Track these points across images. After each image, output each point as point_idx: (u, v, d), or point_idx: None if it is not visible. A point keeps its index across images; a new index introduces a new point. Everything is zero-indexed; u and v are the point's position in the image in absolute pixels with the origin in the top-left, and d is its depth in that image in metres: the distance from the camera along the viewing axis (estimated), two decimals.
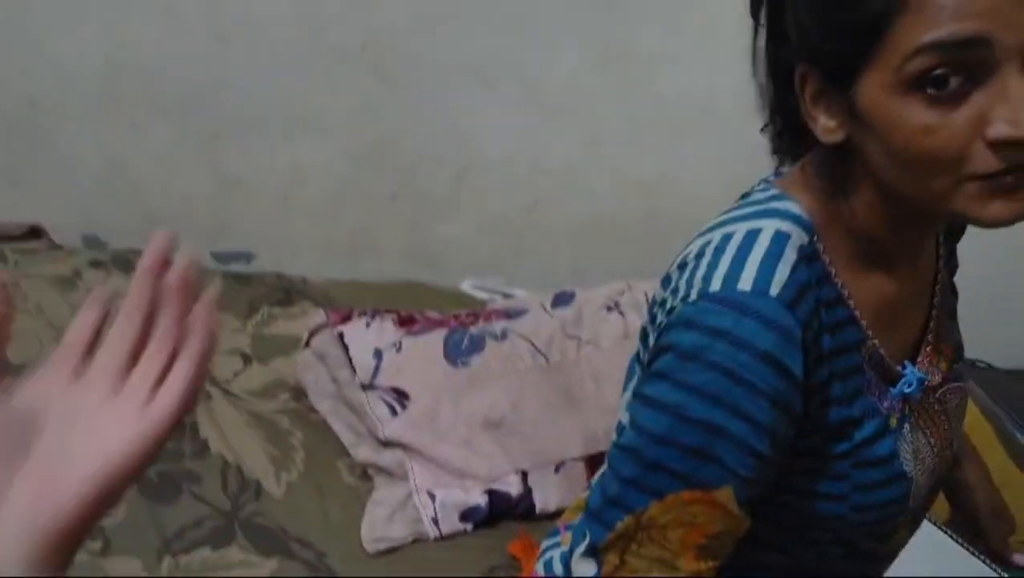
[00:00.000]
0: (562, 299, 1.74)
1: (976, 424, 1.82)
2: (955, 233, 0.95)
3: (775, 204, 0.79)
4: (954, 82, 0.63)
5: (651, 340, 0.79)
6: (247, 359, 1.74)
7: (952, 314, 0.94)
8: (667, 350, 0.74)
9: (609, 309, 1.70)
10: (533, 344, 1.59)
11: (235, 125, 2.04)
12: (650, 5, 1.92)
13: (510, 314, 1.69)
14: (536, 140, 2.06)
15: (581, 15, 1.94)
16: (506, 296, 1.99)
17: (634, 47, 1.97)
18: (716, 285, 0.73)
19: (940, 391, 0.87)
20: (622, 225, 2.11)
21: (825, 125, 0.73)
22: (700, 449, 0.71)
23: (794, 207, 0.78)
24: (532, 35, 1.95)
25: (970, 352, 2.13)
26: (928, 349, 0.86)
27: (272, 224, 2.14)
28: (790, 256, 0.74)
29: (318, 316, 1.69)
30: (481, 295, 2.02)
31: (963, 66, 0.63)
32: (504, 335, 1.60)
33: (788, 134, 0.81)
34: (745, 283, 0.72)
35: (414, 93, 2.00)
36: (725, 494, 0.72)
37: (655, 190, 2.06)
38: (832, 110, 0.72)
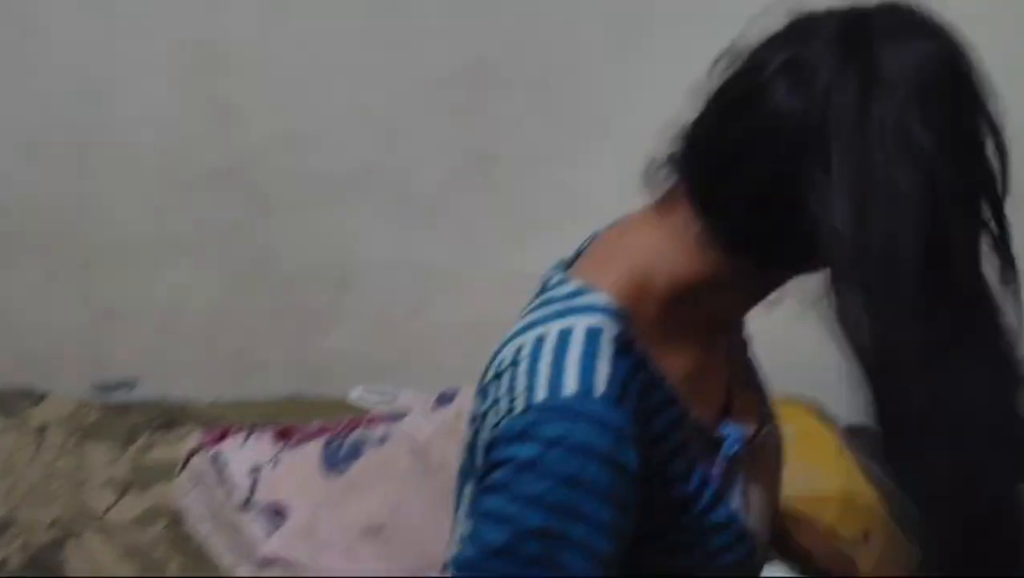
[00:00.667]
0: (445, 398, 1.74)
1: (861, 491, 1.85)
2: None
3: (578, 301, 0.77)
4: None
5: (478, 456, 0.77)
6: (125, 488, 1.69)
7: (747, 365, 0.95)
8: (502, 464, 0.71)
9: None
10: (413, 446, 1.58)
11: (106, 254, 2.03)
12: (519, 107, 2.00)
13: (391, 418, 1.68)
14: (414, 244, 2.09)
15: (449, 120, 2.00)
16: (393, 402, 1.98)
17: (505, 149, 2.03)
18: (541, 394, 0.71)
19: (760, 435, 0.89)
20: (504, 322, 2.12)
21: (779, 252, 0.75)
22: (542, 558, 0.69)
23: (599, 299, 0.76)
24: (401, 142, 2.00)
25: (858, 417, 2.23)
26: (737, 403, 0.88)
27: (152, 350, 2.11)
28: (606, 351, 0.72)
29: (195, 438, 1.66)
30: (368, 404, 2.01)
31: None
32: (384, 439, 1.59)
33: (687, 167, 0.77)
34: (570, 387, 0.70)
35: (287, 208, 2.03)
36: None
37: (536, 285, 2.09)
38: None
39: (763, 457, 0.90)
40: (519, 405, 0.71)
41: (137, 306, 2.08)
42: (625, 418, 0.71)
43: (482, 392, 0.79)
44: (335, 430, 1.64)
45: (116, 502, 1.65)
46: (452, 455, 1.58)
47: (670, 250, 0.77)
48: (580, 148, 2.01)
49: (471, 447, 0.80)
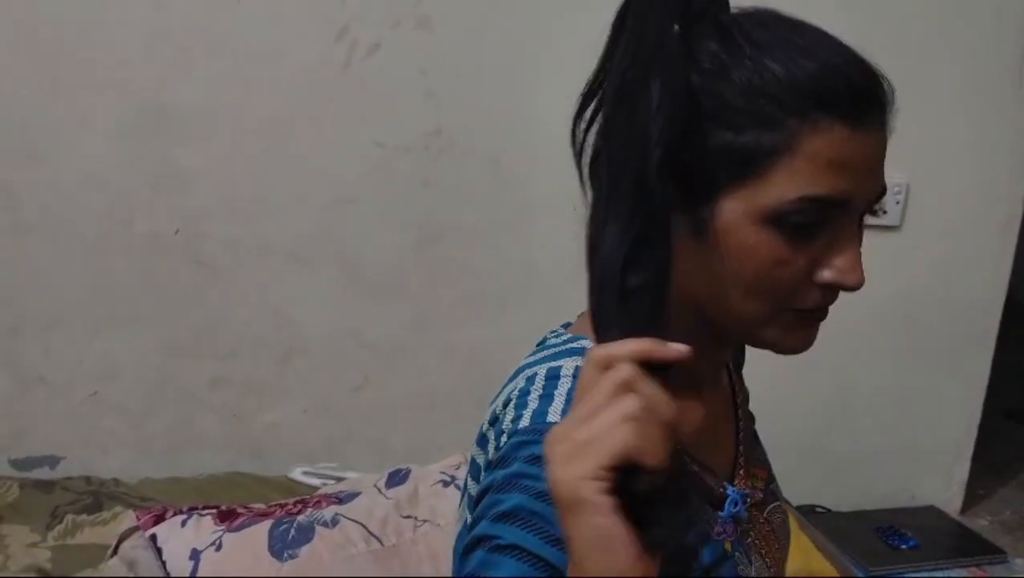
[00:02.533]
0: (396, 478, 1.67)
1: (821, 569, 1.84)
2: (738, 363, 0.97)
3: (571, 345, 0.79)
4: (812, 227, 0.67)
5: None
6: (46, 575, 1.56)
7: (755, 437, 0.94)
8: (485, 492, 0.69)
9: (445, 484, 1.65)
10: (366, 528, 1.51)
11: (36, 320, 1.92)
12: (466, 183, 1.98)
13: (341, 498, 1.60)
14: (361, 318, 2.04)
15: (398, 193, 1.98)
16: (339, 480, 1.89)
17: (453, 223, 2.01)
18: (525, 421, 0.71)
19: (766, 510, 0.87)
20: (455, 397, 2.08)
21: None
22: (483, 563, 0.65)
23: (589, 343, 0.77)
24: (350, 214, 1.96)
25: (808, 498, 2.23)
26: (741, 471, 0.86)
27: (80, 423, 1.98)
28: (574, 382, 0.73)
29: (129, 519, 1.55)
30: (312, 482, 1.92)
31: (826, 218, 0.67)
32: (335, 521, 1.51)
33: None
34: (554, 415, 0.70)
35: (231, 278, 1.95)
36: None
37: (487, 360, 2.05)
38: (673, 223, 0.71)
39: (770, 530, 0.87)
40: (504, 437, 0.71)
41: (66, 376, 1.96)
42: None
43: (481, 440, 0.77)
44: (282, 512, 1.55)
45: None
46: (408, 538, 1.52)
47: None
48: (532, 224, 2.01)
49: (472, 501, 0.77)
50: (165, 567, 1.42)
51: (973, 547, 2.16)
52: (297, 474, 1.94)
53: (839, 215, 0.67)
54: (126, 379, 1.98)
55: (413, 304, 2.05)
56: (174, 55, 1.84)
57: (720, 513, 0.79)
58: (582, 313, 0.84)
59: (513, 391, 0.75)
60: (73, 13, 1.80)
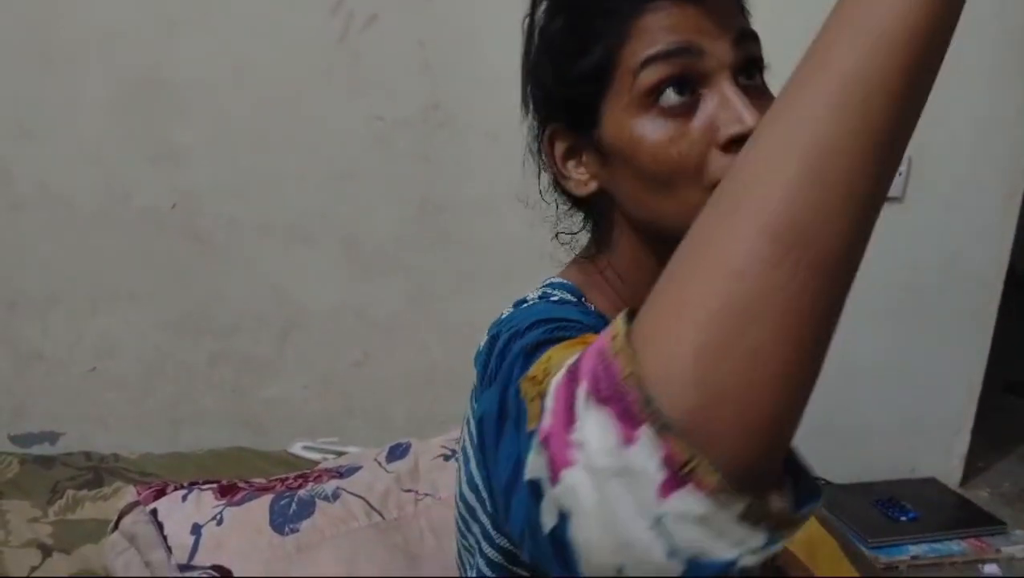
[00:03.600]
0: (397, 452, 1.67)
1: (820, 539, 1.85)
2: None
3: (539, 285, 0.83)
4: (683, 92, 0.69)
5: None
6: (47, 550, 1.56)
7: None
8: (489, 350, 0.70)
9: (446, 457, 1.65)
10: (367, 502, 1.50)
11: (34, 296, 1.91)
12: (465, 157, 1.97)
13: (342, 473, 1.60)
14: (360, 293, 2.03)
15: (397, 168, 1.96)
16: (339, 455, 1.89)
17: (452, 198, 2.00)
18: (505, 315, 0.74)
19: None
20: (455, 372, 2.08)
21: (578, 178, 0.77)
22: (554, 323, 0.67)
23: (557, 280, 0.82)
24: (348, 189, 1.95)
25: None
26: None
27: (79, 400, 1.98)
28: (561, 298, 0.79)
29: (129, 494, 1.54)
30: (313, 456, 1.92)
31: (685, 77, 0.69)
32: (335, 495, 1.51)
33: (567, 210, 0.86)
34: (530, 302, 0.76)
35: (229, 254, 1.95)
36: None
37: (485, 334, 2.04)
38: (583, 160, 0.77)
39: None
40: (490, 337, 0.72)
41: (65, 352, 1.96)
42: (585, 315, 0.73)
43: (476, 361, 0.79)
44: (283, 486, 1.55)
45: (40, 565, 1.52)
46: (409, 512, 1.52)
47: (602, 253, 0.83)
48: (531, 198, 1.99)
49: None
50: (166, 542, 1.42)
51: (973, 519, 2.17)
52: (297, 449, 1.94)
53: (705, 73, 0.69)
54: (125, 355, 1.98)
55: (412, 279, 2.04)
56: (168, 29, 1.82)
57: None
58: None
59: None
60: None
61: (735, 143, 0.68)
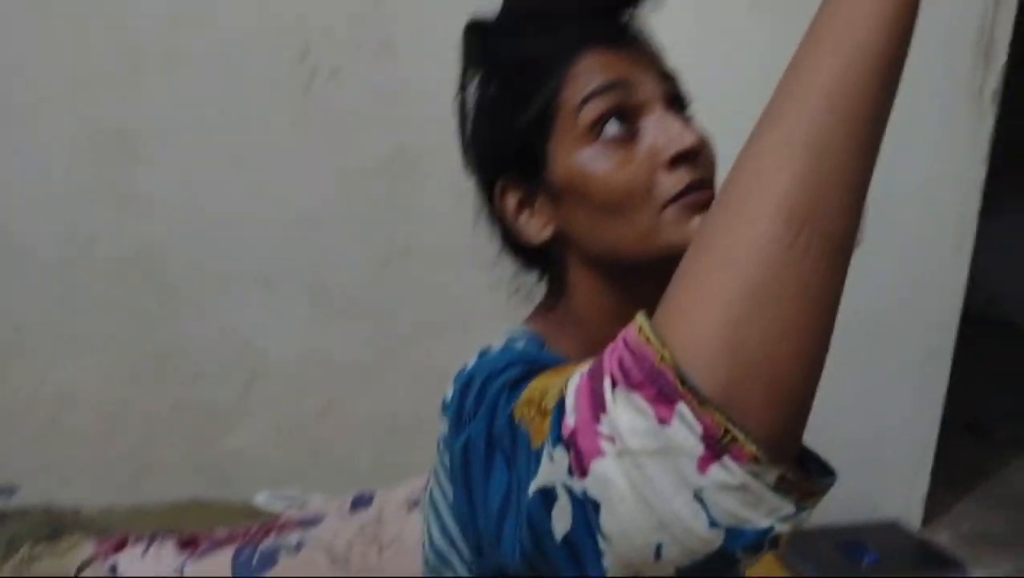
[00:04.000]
0: (361, 501, 1.66)
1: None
2: None
3: (503, 336, 0.84)
4: (623, 123, 0.73)
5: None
6: None
7: None
8: (461, 397, 0.71)
9: (411, 508, 1.64)
10: (331, 552, 1.49)
11: None
12: (428, 205, 1.99)
13: (305, 523, 1.59)
14: (326, 340, 2.03)
15: (362, 216, 1.97)
16: (303, 505, 1.88)
17: (416, 245, 2.01)
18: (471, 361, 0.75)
19: None
20: (420, 419, 2.07)
21: (535, 226, 0.79)
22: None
23: (519, 329, 0.83)
24: (313, 236, 1.96)
25: None
26: None
27: (38, 452, 1.95)
28: (527, 343, 0.79)
29: (88, 548, 1.52)
30: (276, 507, 1.90)
31: (622, 110, 0.74)
32: (299, 546, 1.50)
33: (524, 265, 0.87)
34: (491, 353, 0.76)
35: (194, 301, 1.94)
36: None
37: (451, 384, 2.04)
38: (536, 209, 0.79)
39: None
40: (456, 387, 0.74)
41: (23, 404, 1.93)
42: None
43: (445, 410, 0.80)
44: (245, 538, 1.53)
45: None
46: (373, 562, 1.51)
47: (561, 299, 0.84)
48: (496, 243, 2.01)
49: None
50: None
51: (933, 560, 2.19)
52: (260, 500, 1.92)
53: (640, 105, 0.74)
54: (86, 405, 1.95)
55: (378, 325, 2.04)
56: (134, 78, 1.83)
57: None
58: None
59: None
60: (28, 36, 1.78)
61: (679, 160, 0.73)
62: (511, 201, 0.80)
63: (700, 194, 0.75)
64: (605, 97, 0.73)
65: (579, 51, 0.75)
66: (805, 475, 0.47)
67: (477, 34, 0.82)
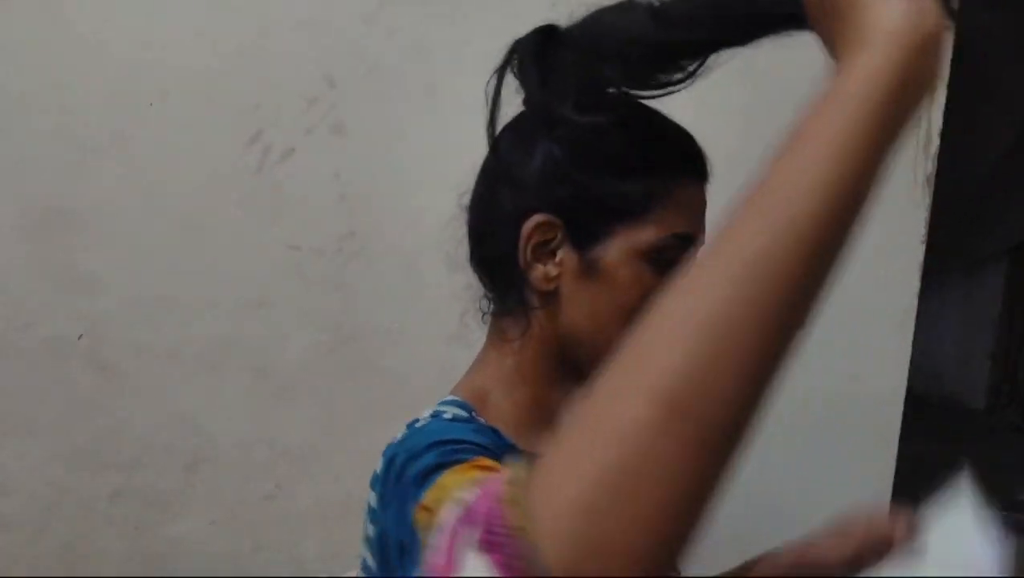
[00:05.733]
0: None
1: None
2: None
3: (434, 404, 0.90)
4: (676, 262, 0.80)
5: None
6: None
7: None
8: (386, 473, 0.79)
9: None
10: None
11: None
12: (379, 286, 1.98)
13: None
14: (272, 423, 1.99)
15: (311, 297, 1.96)
16: None
17: (366, 326, 2.00)
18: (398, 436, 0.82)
19: None
20: None
21: (546, 273, 0.82)
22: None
23: (449, 398, 0.89)
24: (260, 318, 1.93)
25: None
26: None
27: None
28: (455, 414, 0.84)
29: None
30: None
31: (684, 253, 0.81)
32: None
33: (497, 290, 0.91)
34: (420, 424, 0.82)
35: (135, 383, 1.89)
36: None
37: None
38: (557, 261, 0.82)
39: None
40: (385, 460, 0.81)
41: None
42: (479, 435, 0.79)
43: (373, 484, 0.86)
44: None
45: None
46: None
47: (510, 349, 0.88)
48: (447, 326, 2.01)
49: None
50: None
51: None
52: None
53: (689, 250, 0.81)
54: (19, 493, 1.88)
55: (326, 408, 2.01)
56: (78, 156, 1.81)
57: None
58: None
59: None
60: None
61: None
62: (537, 236, 0.82)
63: None
64: (685, 245, 0.80)
65: (690, 175, 0.81)
66: None
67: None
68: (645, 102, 0.81)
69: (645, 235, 0.78)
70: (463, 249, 0.94)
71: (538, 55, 0.80)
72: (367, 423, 2.03)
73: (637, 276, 0.78)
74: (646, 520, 0.42)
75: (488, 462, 0.68)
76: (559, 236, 0.80)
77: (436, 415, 0.85)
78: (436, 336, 2.01)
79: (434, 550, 0.49)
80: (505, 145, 0.87)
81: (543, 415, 0.86)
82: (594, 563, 0.42)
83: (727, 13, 0.67)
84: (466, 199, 0.93)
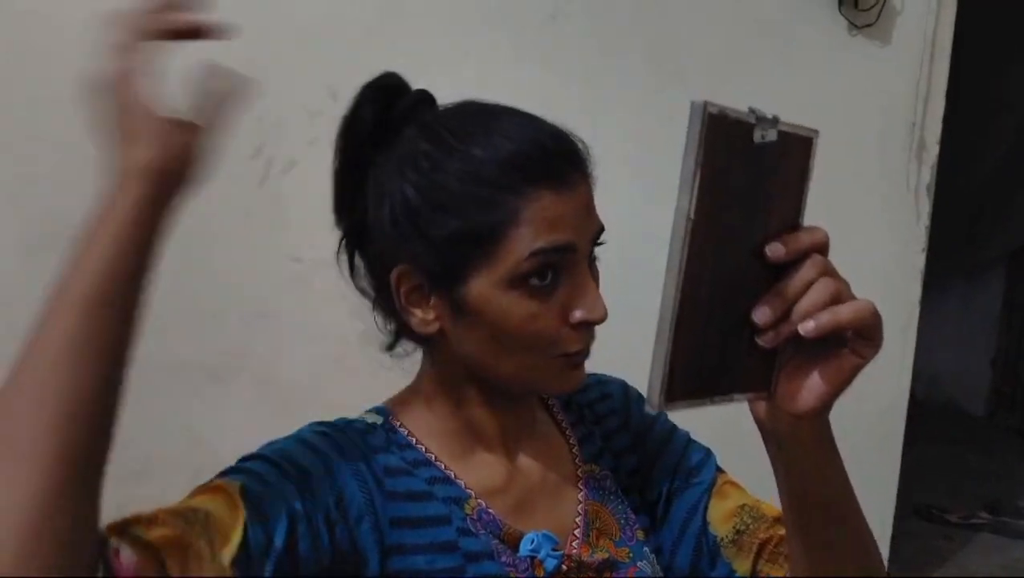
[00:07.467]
0: None
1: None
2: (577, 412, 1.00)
3: None
4: (549, 277, 0.77)
5: None
6: None
7: (618, 490, 0.95)
8: None
9: None
10: None
11: None
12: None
13: None
14: (276, 435, 1.97)
15: (313, 307, 1.96)
16: None
17: (368, 338, 2.00)
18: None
19: (610, 573, 0.88)
20: None
21: (423, 318, 0.83)
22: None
23: (381, 403, 0.93)
24: (263, 329, 1.94)
25: None
26: (577, 531, 0.88)
27: None
28: (350, 420, 0.91)
29: None
30: None
31: (555, 265, 0.77)
32: None
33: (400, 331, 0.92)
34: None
35: (139, 395, 1.88)
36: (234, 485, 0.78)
37: None
38: (430, 304, 0.82)
39: None
40: None
41: None
42: (325, 443, 0.90)
43: None
44: None
45: None
46: None
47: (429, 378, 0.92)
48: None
49: None
50: None
51: None
52: None
53: (570, 262, 0.78)
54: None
55: (330, 418, 2.01)
56: (81, 170, 1.82)
57: (518, 553, 0.84)
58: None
59: None
60: None
61: (583, 325, 0.79)
62: (406, 285, 0.82)
63: (586, 352, 0.82)
64: (549, 257, 0.76)
65: (536, 185, 0.76)
66: None
67: (428, 110, 0.85)
68: (489, 109, 0.83)
69: (503, 265, 0.76)
70: None
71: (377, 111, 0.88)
72: None
73: (509, 306, 0.77)
74: None
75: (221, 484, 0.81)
76: (425, 282, 0.81)
77: (344, 419, 0.95)
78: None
79: None
80: (368, 198, 0.91)
81: (464, 426, 0.88)
82: None
83: None
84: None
